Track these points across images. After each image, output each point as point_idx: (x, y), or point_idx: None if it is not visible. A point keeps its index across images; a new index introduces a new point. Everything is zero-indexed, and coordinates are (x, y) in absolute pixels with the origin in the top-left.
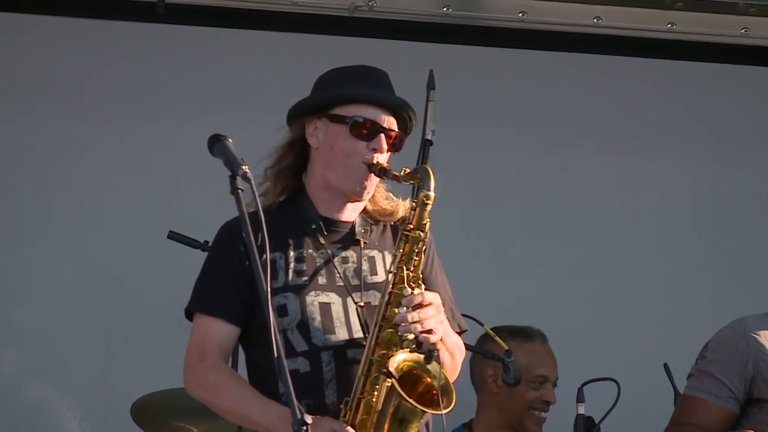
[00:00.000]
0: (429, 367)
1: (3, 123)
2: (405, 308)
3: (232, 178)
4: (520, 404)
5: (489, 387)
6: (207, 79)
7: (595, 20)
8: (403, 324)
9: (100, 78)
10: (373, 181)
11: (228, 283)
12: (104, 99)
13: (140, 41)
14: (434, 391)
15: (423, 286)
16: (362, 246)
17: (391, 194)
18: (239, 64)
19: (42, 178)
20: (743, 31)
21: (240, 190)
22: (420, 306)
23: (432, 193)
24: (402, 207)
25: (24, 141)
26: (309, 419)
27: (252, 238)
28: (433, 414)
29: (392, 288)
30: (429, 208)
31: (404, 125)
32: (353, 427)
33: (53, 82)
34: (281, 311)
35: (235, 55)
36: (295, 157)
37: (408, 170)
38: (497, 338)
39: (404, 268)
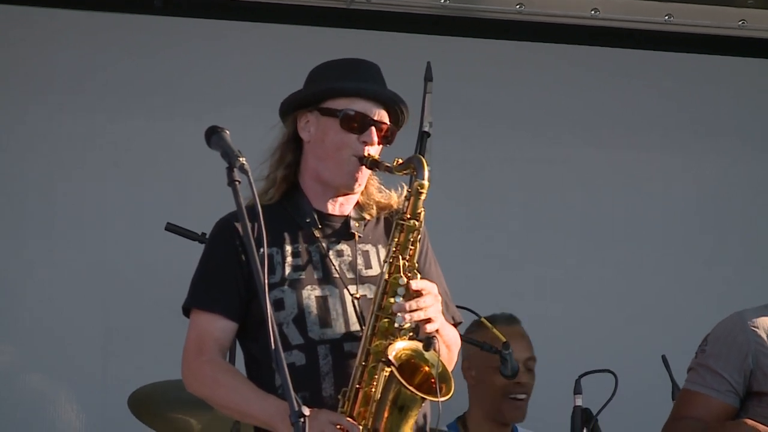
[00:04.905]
0: (427, 355)
1: (4, 119)
2: (402, 297)
3: (229, 170)
4: (493, 392)
5: (467, 379)
6: (204, 71)
7: (593, 12)
8: (401, 313)
9: (98, 73)
10: (365, 173)
11: (225, 279)
12: (103, 94)
13: (137, 34)
14: (432, 380)
15: (419, 276)
16: (356, 240)
17: (382, 187)
18: (236, 55)
19: (44, 173)
20: (741, 22)
21: (237, 182)
22: (418, 294)
23: (426, 182)
24: (395, 199)
25: (25, 137)
26: (306, 411)
27: (249, 231)
28: (432, 401)
29: (388, 277)
30: (423, 197)
31: (396, 118)
32: (352, 417)
33: (53, 78)
34: (278, 305)
35: (233, 46)
36: (294, 153)
37: (401, 161)
38: (495, 330)
39: (400, 257)
